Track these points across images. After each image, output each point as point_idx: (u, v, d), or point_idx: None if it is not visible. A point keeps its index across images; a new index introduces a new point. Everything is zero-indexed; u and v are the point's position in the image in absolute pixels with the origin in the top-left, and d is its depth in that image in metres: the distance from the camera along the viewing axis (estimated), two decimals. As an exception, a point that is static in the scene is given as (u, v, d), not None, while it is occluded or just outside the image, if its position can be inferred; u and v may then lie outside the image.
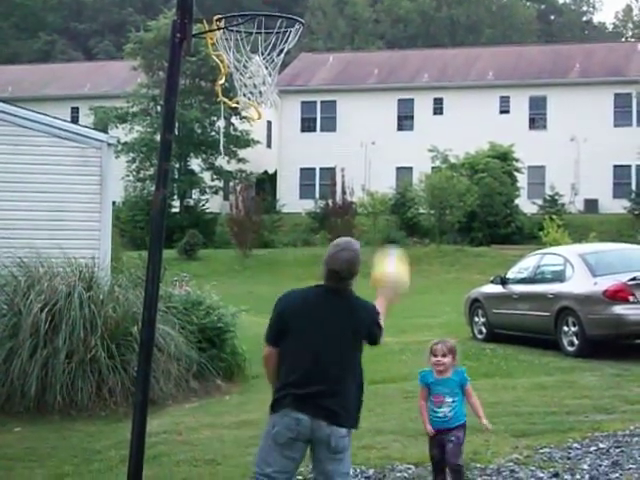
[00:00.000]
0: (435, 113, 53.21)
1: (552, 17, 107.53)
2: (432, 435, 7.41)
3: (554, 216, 40.92)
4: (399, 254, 6.54)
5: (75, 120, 48.17)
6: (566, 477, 8.29)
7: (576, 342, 15.98)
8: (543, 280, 17.63)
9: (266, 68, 6.76)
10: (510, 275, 18.72)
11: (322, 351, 5.79)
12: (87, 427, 11.03)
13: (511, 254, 33.48)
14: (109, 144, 14.42)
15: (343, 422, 5.81)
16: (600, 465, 8.63)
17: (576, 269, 16.62)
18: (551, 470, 8.39)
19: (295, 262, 39.38)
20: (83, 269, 12.65)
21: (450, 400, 7.38)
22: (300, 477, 7.72)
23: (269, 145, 58.61)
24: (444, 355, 7.38)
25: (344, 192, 43.19)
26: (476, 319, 19.06)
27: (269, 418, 5.91)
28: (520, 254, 24.23)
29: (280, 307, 5.97)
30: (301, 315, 5.87)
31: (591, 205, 49.46)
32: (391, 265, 6.46)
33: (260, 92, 6.80)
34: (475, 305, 19.19)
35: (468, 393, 7.48)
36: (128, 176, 48.17)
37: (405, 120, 53.95)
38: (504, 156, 45.59)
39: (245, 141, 50.09)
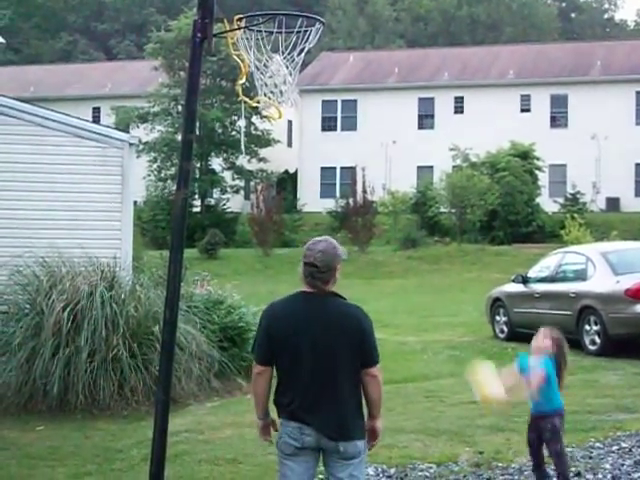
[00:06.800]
0: (456, 112, 53.14)
1: (573, 15, 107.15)
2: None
3: (575, 215, 40.85)
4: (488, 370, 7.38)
5: (96, 120, 48.38)
6: (588, 477, 8.27)
7: (598, 341, 15.93)
8: (565, 279, 17.57)
9: (287, 67, 6.77)
10: (531, 274, 18.67)
11: (316, 367, 5.41)
12: (109, 426, 11.07)
13: (532, 253, 33.38)
14: (130, 144, 14.43)
15: (349, 436, 5.46)
16: (622, 464, 8.60)
17: (598, 268, 16.55)
18: (573, 469, 8.36)
19: (316, 261, 39.28)
20: (105, 269, 12.67)
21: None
22: None
23: (290, 144, 58.65)
24: (545, 337, 8.08)
25: (365, 191, 43.14)
26: (497, 318, 19.02)
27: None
28: (541, 253, 24.16)
29: (266, 324, 5.58)
30: (288, 331, 5.46)
31: (613, 203, 49.24)
32: (493, 386, 7.21)
33: (281, 91, 6.81)
34: (496, 304, 19.15)
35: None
36: (149, 176, 48.38)
37: (426, 119, 53.92)
38: (525, 155, 45.47)
39: (266, 140, 50.16)
